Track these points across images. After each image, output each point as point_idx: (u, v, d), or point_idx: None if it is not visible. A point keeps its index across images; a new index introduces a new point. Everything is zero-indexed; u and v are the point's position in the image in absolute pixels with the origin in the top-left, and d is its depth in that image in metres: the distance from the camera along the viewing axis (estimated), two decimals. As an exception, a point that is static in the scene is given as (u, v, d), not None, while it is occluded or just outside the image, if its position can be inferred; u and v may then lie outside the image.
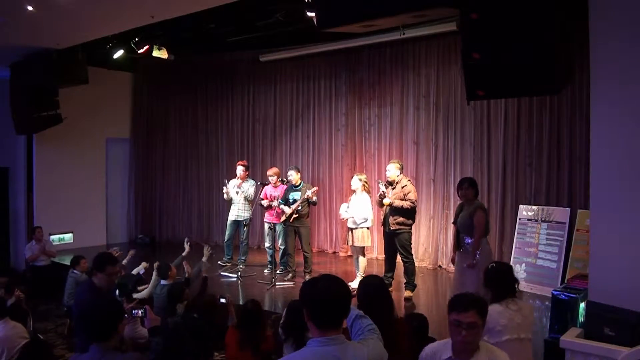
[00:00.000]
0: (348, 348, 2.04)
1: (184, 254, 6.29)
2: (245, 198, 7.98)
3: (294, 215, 7.13)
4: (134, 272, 6.29)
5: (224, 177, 8.37)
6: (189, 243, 6.47)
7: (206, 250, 6.10)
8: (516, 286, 3.38)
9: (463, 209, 5.22)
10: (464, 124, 7.88)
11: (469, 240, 5.04)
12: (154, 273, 5.78)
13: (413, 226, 6.60)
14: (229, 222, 8.20)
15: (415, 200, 6.42)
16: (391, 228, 6.36)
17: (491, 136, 7.57)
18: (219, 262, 8.16)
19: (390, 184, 6.50)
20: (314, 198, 7.19)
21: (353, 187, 6.93)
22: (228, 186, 8.07)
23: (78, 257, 6.63)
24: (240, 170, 8.06)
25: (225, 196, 8.15)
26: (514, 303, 3.28)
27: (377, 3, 5.06)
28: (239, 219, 8.07)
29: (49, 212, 9.39)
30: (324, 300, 2.04)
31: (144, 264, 6.34)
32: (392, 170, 6.51)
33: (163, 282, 5.48)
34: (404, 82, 8.55)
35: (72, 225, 9.67)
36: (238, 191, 8.00)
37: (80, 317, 2.64)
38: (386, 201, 6.37)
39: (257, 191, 7.94)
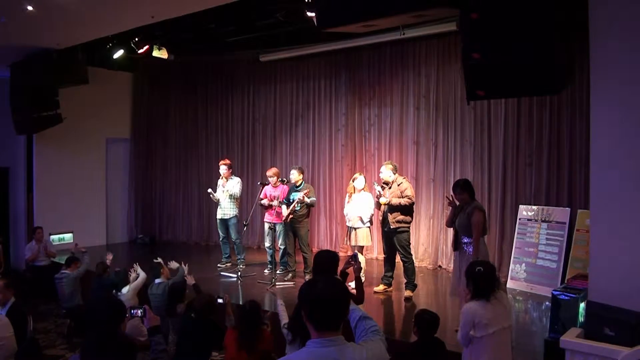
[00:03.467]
0: (347, 349, 2.03)
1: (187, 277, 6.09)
2: (231, 196, 7.98)
3: (290, 217, 7.13)
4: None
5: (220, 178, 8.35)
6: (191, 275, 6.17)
7: (184, 267, 5.86)
8: (497, 284, 3.57)
9: (462, 210, 5.21)
10: (464, 124, 7.87)
11: (467, 240, 5.05)
12: (140, 271, 5.80)
13: (413, 226, 6.59)
14: (218, 222, 8.23)
15: (413, 196, 6.42)
16: (391, 227, 6.36)
17: (491, 136, 7.57)
18: (218, 265, 8.18)
19: (386, 184, 6.51)
20: (308, 200, 7.16)
21: (359, 187, 6.91)
22: (214, 193, 8.08)
23: (72, 258, 6.66)
24: (223, 169, 8.04)
25: (213, 198, 8.15)
26: (493, 297, 3.47)
27: (377, 3, 5.06)
28: (225, 217, 8.07)
29: (49, 212, 9.40)
30: (323, 302, 2.03)
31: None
32: (385, 172, 6.53)
33: (157, 280, 5.48)
34: (404, 82, 8.54)
35: (72, 225, 9.66)
36: (223, 190, 8.01)
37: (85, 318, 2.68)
38: (383, 200, 6.38)
39: (242, 188, 8.05)
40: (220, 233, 8.27)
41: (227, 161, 8.24)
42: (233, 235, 8.06)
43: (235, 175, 8.30)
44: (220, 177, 8.12)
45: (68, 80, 8.32)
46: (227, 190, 7.98)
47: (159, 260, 5.85)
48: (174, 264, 5.81)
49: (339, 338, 2.03)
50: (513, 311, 6.01)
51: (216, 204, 8.15)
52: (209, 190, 8.17)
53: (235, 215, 8.03)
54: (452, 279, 5.63)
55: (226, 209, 8.05)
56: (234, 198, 8.01)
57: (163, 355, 2.91)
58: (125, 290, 5.63)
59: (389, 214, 6.37)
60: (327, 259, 3.71)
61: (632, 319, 3.62)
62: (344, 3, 5.27)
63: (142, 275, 5.80)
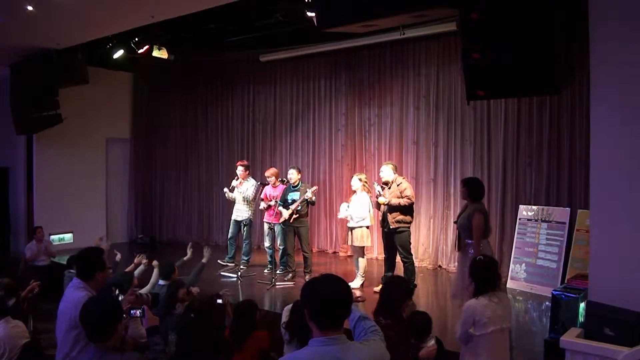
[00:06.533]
0: (349, 348, 2.04)
1: (185, 258, 6.20)
2: (244, 198, 7.97)
3: (294, 216, 7.12)
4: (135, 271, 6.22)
5: (225, 176, 8.35)
6: (191, 249, 6.33)
7: (206, 252, 6.01)
8: (498, 282, 3.57)
9: (464, 210, 5.19)
10: (464, 124, 7.87)
11: (469, 242, 5.03)
12: (155, 271, 5.75)
13: (413, 226, 6.59)
14: (231, 221, 8.21)
15: (412, 196, 6.42)
16: (391, 227, 6.36)
17: (491, 136, 7.57)
18: (218, 261, 8.15)
19: (386, 184, 6.51)
20: (313, 198, 7.19)
21: (353, 188, 6.94)
22: (227, 191, 8.06)
23: (72, 258, 6.64)
24: (240, 170, 8.00)
25: (227, 195, 8.14)
26: (495, 296, 3.47)
27: (377, 3, 5.06)
28: (238, 219, 8.07)
29: (49, 212, 9.39)
30: (325, 300, 2.04)
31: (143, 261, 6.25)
32: (386, 172, 6.53)
33: (162, 282, 5.47)
34: (404, 82, 8.54)
35: (72, 225, 9.67)
36: (239, 191, 7.99)
37: (81, 318, 2.64)
38: (382, 200, 6.37)
39: (257, 191, 7.92)
40: (230, 233, 8.25)
41: (245, 162, 8.21)
42: (244, 237, 8.03)
43: (250, 177, 8.17)
44: (236, 178, 8.04)
45: (68, 80, 8.32)
46: (240, 193, 7.95)
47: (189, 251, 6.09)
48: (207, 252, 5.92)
49: (341, 337, 2.04)
50: (513, 312, 6.01)
51: (224, 203, 8.11)
52: (225, 189, 8.11)
53: (249, 218, 7.98)
54: (454, 279, 5.61)
55: (240, 211, 8.02)
56: (247, 200, 7.99)
57: (162, 355, 2.91)
58: None
59: (388, 214, 6.37)
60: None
61: (632, 319, 3.62)
62: (344, 3, 5.28)
63: (155, 276, 5.68)
